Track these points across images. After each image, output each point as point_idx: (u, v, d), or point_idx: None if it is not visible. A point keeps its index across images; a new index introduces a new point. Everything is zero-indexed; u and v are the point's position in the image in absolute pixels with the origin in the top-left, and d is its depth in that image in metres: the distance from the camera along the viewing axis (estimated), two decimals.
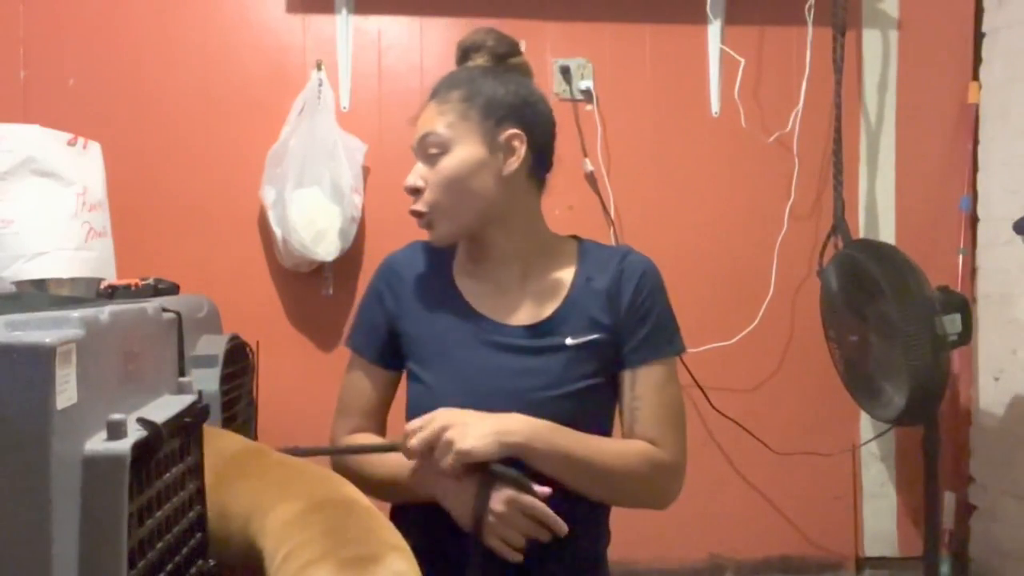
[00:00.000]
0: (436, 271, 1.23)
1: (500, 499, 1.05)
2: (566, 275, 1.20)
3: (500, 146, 1.15)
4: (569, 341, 1.15)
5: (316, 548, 0.80)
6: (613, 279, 1.19)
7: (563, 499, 1.12)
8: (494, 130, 1.15)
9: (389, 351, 1.23)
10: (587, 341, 1.16)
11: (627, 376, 1.17)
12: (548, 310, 1.18)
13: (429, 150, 1.15)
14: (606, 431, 1.19)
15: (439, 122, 1.15)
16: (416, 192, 1.16)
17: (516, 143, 1.16)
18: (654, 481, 1.16)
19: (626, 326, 1.17)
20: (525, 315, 1.18)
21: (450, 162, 1.14)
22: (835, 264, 2.21)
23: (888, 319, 2.00)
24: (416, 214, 1.17)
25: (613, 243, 2.34)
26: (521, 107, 1.17)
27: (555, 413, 1.11)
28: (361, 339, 1.26)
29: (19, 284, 1.46)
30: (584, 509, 1.16)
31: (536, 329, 1.17)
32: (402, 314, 1.22)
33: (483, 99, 1.15)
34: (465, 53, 1.22)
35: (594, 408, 1.18)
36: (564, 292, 1.19)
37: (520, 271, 1.20)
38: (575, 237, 1.27)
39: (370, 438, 1.24)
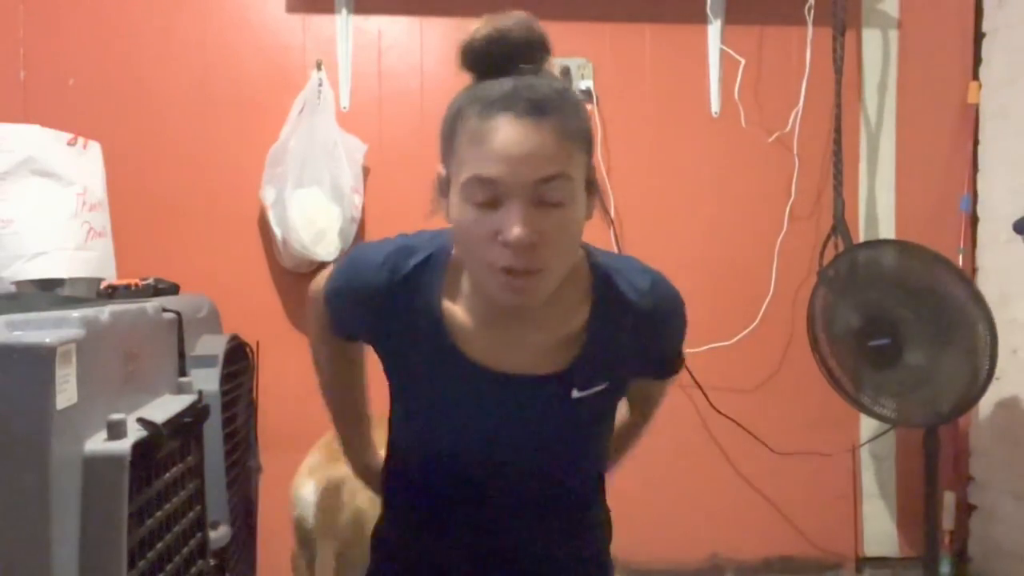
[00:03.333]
0: (419, 292, 1.02)
1: None
2: (578, 318, 0.99)
3: (589, 188, 0.93)
4: (576, 394, 0.99)
5: None
6: (643, 323, 1.02)
7: (572, 501, 1.13)
8: (590, 169, 0.93)
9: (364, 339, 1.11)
10: (595, 392, 1.01)
11: (642, 382, 1.14)
12: (555, 363, 0.99)
13: (551, 196, 0.86)
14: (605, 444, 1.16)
15: (569, 161, 0.87)
16: (531, 248, 0.86)
17: (597, 179, 0.96)
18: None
19: (652, 361, 1.10)
20: (525, 364, 0.98)
21: (575, 215, 0.89)
22: (840, 267, 2.19)
23: (937, 317, 2.00)
24: (526, 274, 0.87)
25: (613, 244, 2.34)
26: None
27: (554, 459, 1.06)
28: (337, 328, 1.12)
29: (19, 284, 1.47)
30: (589, 511, 1.17)
31: (538, 381, 0.99)
32: (381, 335, 1.05)
33: (585, 131, 0.91)
34: (509, 54, 0.89)
35: (596, 441, 1.12)
36: (576, 344, 0.99)
37: (529, 313, 0.97)
38: (584, 250, 1.02)
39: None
